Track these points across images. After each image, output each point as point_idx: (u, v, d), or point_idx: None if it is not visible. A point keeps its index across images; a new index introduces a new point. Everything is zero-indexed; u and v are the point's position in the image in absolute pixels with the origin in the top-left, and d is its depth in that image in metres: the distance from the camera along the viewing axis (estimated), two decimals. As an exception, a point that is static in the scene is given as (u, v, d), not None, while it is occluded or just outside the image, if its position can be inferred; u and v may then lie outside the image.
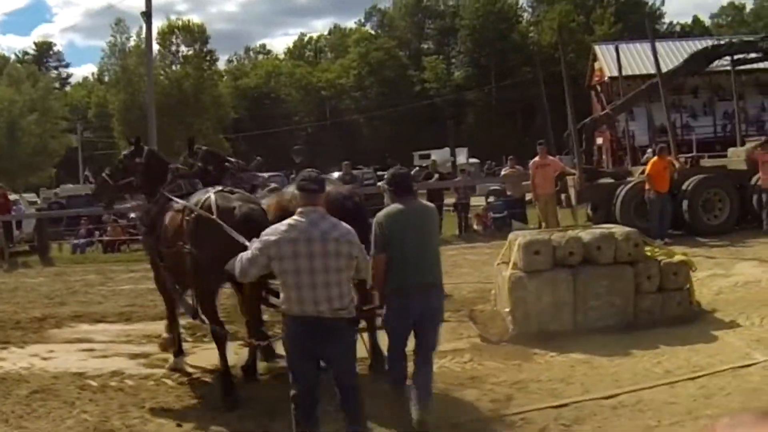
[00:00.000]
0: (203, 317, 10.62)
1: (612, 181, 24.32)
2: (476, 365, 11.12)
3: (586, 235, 12.66)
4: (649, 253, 12.76)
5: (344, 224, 7.65)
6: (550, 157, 25.02)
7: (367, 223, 9.51)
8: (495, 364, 10.95)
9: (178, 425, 9.26)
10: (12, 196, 38.20)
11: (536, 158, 24.38)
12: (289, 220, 7.52)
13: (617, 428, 8.32)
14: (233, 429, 9.06)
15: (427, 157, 55.23)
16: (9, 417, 10.00)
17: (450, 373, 10.69)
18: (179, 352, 12.25)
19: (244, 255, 7.75)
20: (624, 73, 36.42)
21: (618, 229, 13.00)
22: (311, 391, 7.61)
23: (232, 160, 13.50)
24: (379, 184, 25.92)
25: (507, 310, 12.30)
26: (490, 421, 8.78)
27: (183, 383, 11.21)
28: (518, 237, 12.78)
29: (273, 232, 7.49)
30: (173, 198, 11.37)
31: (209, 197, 10.43)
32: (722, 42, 32.11)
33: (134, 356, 12.90)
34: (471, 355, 11.57)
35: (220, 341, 10.27)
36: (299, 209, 7.56)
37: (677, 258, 12.94)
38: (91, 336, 14.73)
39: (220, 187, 10.87)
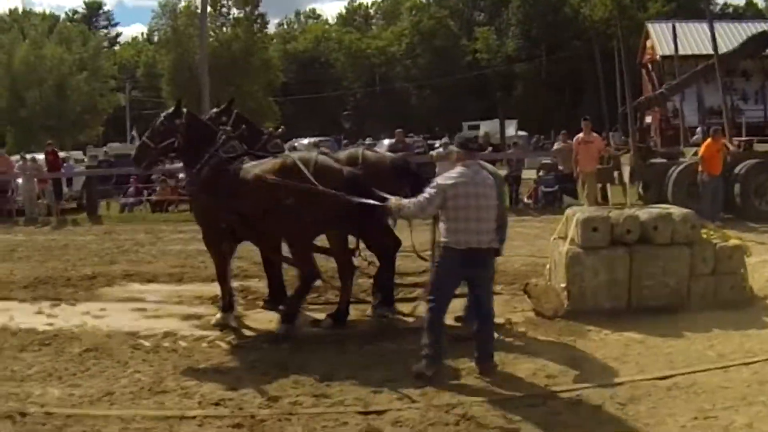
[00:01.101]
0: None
1: (665, 161, 24.14)
2: (531, 340, 11.13)
3: (643, 214, 12.55)
4: (704, 236, 12.67)
5: (491, 176, 9.90)
6: (594, 134, 24.92)
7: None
8: (550, 339, 10.96)
9: (233, 388, 9.29)
10: (61, 154, 38.49)
11: (580, 134, 24.29)
12: (458, 169, 9.54)
13: (672, 409, 8.28)
14: (289, 393, 9.08)
15: (476, 127, 55.17)
16: (62, 374, 10.08)
17: (504, 346, 10.68)
18: (228, 307, 12.49)
19: (421, 197, 9.69)
20: (678, 53, 36.01)
21: (675, 210, 12.87)
22: (446, 310, 9.77)
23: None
24: (432, 153, 25.91)
25: (563, 285, 12.21)
26: (545, 396, 8.77)
27: (238, 346, 11.28)
28: (576, 213, 12.71)
29: (448, 177, 9.49)
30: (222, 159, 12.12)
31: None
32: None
33: (186, 317, 12.97)
34: (525, 329, 11.59)
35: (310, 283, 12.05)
36: (464, 162, 9.58)
37: (732, 242, 12.83)
38: (142, 295, 14.85)
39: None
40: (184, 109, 12.60)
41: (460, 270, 9.56)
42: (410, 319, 12.40)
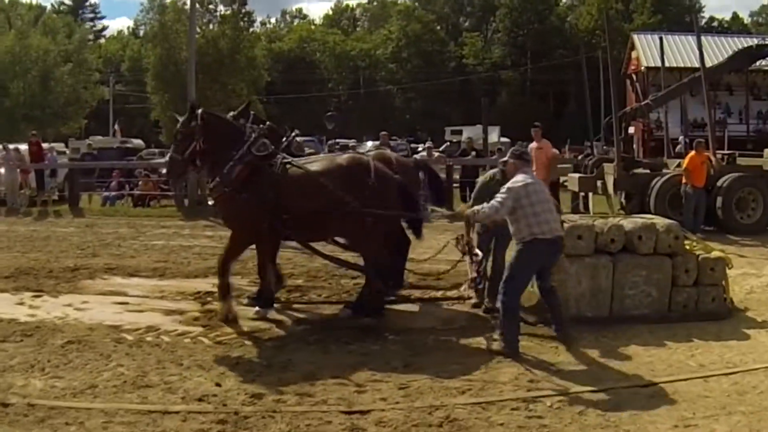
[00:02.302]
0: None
1: (648, 171, 24.22)
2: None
3: (628, 223, 12.62)
4: (688, 247, 12.75)
5: None
6: (545, 141, 25.00)
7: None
8: (532, 345, 11.00)
9: (217, 384, 9.30)
10: (45, 145, 38.41)
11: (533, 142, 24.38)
12: (519, 176, 10.76)
13: (654, 417, 8.33)
14: (272, 391, 9.06)
15: (459, 133, 55.29)
16: (45, 366, 10.06)
17: (486, 352, 10.76)
18: (269, 303, 12.81)
19: (494, 201, 10.73)
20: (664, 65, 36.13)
21: (659, 220, 12.95)
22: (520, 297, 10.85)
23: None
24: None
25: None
26: (528, 401, 8.81)
27: (221, 342, 11.25)
28: (563, 221, 12.80)
29: (516, 181, 10.68)
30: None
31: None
32: (767, 42, 31.86)
33: (169, 312, 12.96)
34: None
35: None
36: (522, 170, 10.93)
37: (715, 254, 12.91)
38: (125, 289, 14.79)
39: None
40: (200, 110, 12.58)
41: (545, 258, 10.85)
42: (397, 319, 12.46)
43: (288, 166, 12.29)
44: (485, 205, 10.98)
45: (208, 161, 12.62)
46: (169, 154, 13.28)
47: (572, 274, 12.13)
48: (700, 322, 11.95)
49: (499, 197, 10.72)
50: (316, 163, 12.52)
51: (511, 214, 10.66)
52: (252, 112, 13.75)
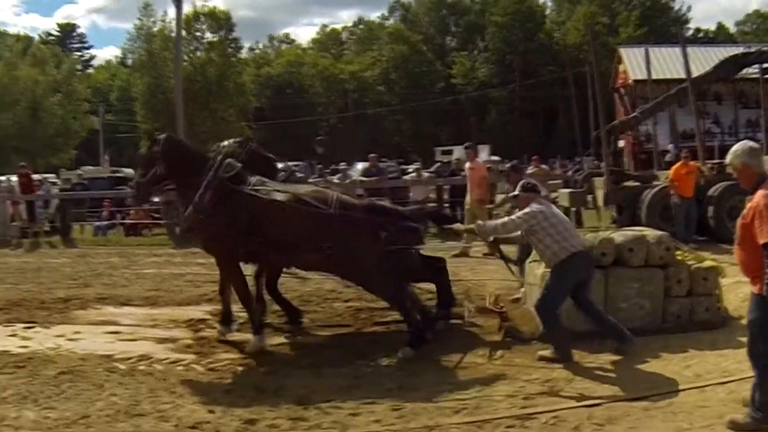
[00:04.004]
0: None
1: (638, 184, 24.24)
2: (508, 362, 11.14)
3: (618, 236, 12.61)
4: (679, 258, 12.74)
5: None
6: (478, 161, 24.88)
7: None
8: (526, 362, 10.97)
9: (210, 411, 9.24)
10: (35, 177, 38.42)
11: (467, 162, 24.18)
12: (534, 205, 10.95)
13: (650, 429, 8.30)
14: (266, 416, 9.00)
15: (449, 153, 55.25)
16: (38, 397, 9.98)
17: (482, 370, 10.74)
18: (260, 329, 12.43)
19: (514, 217, 11.14)
20: (651, 77, 36.21)
21: (650, 232, 12.94)
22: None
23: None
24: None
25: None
26: (522, 418, 8.76)
27: (213, 369, 11.19)
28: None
29: (534, 206, 10.93)
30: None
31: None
32: (752, 50, 31.90)
33: (162, 341, 12.90)
34: (502, 352, 11.59)
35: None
36: (535, 200, 11.10)
37: (707, 263, 12.89)
38: (117, 319, 14.72)
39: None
40: (161, 136, 12.79)
41: (581, 272, 10.97)
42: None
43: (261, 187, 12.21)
44: (506, 219, 11.41)
45: (177, 188, 12.89)
46: (134, 179, 13.53)
47: (563, 290, 12.09)
48: (694, 333, 11.92)
49: (513, 216, 11.22)
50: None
51: (537, 240, 10.93)
52: (251, 145, 13.78)
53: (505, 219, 11.30)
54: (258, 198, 11.97)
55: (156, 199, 26.15)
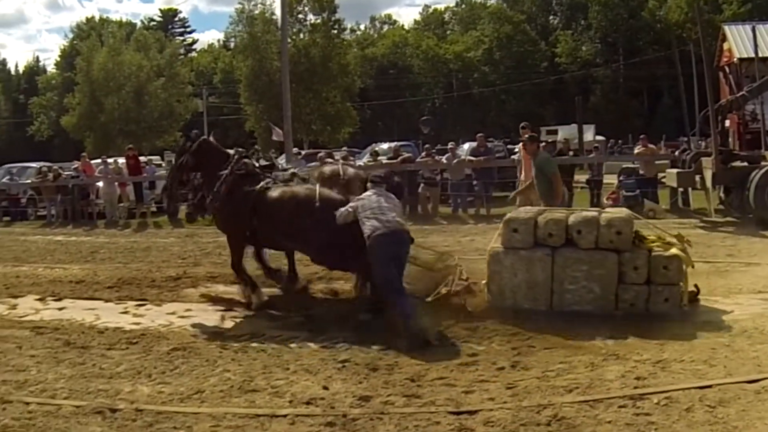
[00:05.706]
0: None
1: (746, 164, 23.78)
2: (618, 342, 10.90)
3: (571, 217, 12.40)
4: (648, 243, 12.33)
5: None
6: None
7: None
8: (637, 342, 10.77)
9: (324, 388, 9.26)
10: (142, 158, 38.98)
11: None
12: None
13: (762, 413, 8.13)
14: (379, 393, 9.03)
15: (554, 132, 54.76)
16: (152, 372, 10.13)
17: (593, 349, 10.57)
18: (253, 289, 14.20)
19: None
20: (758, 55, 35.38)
21: (605, 215, 12.55)
22: None
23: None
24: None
25: (484, 282, 12.61)
26: (635, 398, 8.62)
27: (327, 347, 11.21)
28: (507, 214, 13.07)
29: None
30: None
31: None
32: None
33: (273, 318, 13.05)
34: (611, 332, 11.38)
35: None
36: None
37: (672, 252, 12.28)
38: (227, 297, 14.89)
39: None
40: (194, 132, 15.88)
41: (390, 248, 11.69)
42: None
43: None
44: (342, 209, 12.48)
45: (203, 179, 14.93)
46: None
47: (507, 266, 12.24)
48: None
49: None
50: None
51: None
52: (202, 138, 15.78)
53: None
54: (256, 193, 13.97)
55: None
